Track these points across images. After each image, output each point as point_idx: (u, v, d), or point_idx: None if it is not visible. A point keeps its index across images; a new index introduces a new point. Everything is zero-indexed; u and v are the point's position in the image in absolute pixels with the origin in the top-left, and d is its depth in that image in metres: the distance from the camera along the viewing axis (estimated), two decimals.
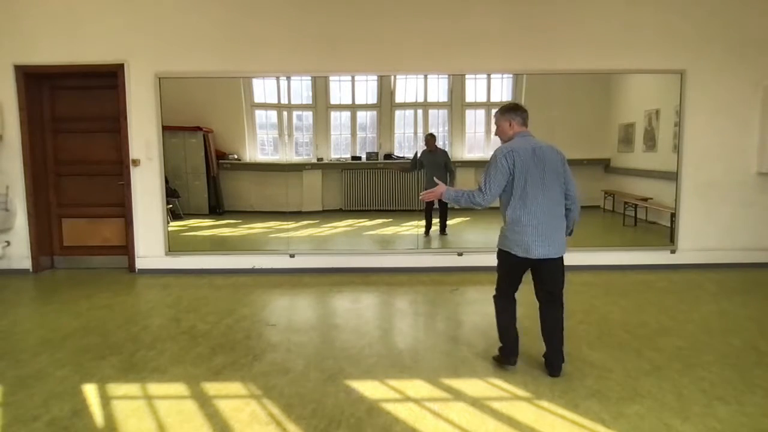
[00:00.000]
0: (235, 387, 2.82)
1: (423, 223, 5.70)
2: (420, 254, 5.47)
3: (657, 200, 5.64)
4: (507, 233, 2.86)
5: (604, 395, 2.69)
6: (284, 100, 6.02)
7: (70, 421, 2.47)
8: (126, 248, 5.46)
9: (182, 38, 5.19)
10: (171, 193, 5.57)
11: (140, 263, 5.41)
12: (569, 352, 3.23)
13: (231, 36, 5.20)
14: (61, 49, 5.16)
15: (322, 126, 6.12)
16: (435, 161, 5.64)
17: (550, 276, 2.89)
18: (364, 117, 6.24)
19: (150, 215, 5.34)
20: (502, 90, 6.04)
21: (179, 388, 2.81)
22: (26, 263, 5.39)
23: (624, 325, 3.72)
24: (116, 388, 2.81)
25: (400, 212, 5.90)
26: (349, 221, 6.10)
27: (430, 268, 5.28)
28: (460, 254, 5.32)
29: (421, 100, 5.97)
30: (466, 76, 5.87)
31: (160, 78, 5.19)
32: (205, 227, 5.89)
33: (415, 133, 6.09)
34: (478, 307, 4.21)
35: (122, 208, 5.44)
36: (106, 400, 2.68)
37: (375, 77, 5.92)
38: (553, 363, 2.92)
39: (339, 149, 6.20)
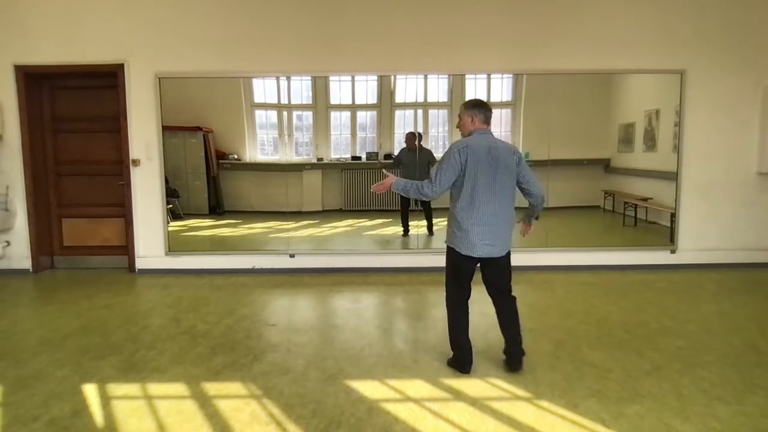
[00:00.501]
0: (235, 387, 2.82)
1: (424, 223, 5.70)
2: (420, 254, 5.47)
3: (657, 200, 5.64)
4: (454, 229, 2.87)
5: (604, 395, 2.69)
6: (284, 100, 6.02)
7: (70, 421, 2.47)
8: (126, 248, 5.46)
9: (182, 38, 5.19)
10: (171, 193, 5.57)
11: (140, 263, 5.41)
12: (569, 352, 3.24)
13: (231, 36, 5.20)
14: (61, 49, 5.16)
15: (322, 126, 6.11)
16: (416, 160, 5.63)
17: (495, 274, 2.95)
18: (364, 117, 6.24)
19: (150, 215, 5.34)
20: (502, 90, 6.04)
21: (179, 388, 2.81)
22: (26, 263, 5.39)
23: (624, 325, 3.72)
24: (116, 388, 2.81)
25: (400, 212, 5.89)
26: (349, 221, 6.10)
27: (430, 268, 5.28)
28: None
29: (421, 100, 5.96)
30: (466, 76, 5.86)
31: (160, 78, 5.19)
32: (205, 227, 5.89)
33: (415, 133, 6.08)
34: (478, 307, 4.19)
35: (122, 208, 5.44)
36: (106, 400, 2.69)
37: (375, 77, 5.91)
38: (513, 355, 2.94)
39: (339, 149, 6.20)
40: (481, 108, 2.89)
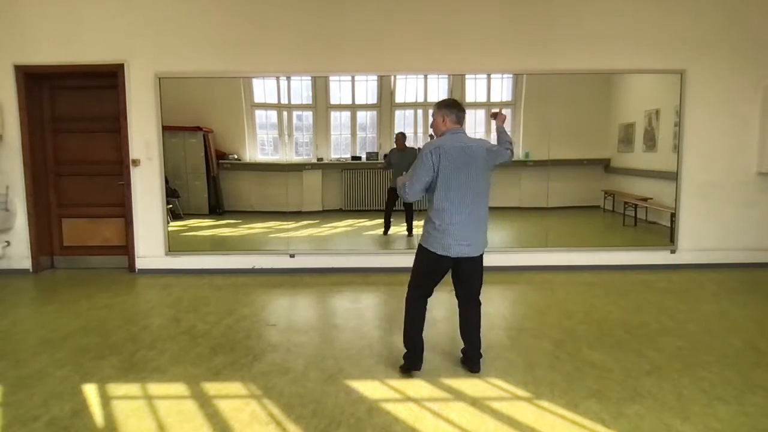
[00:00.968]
0: (235, 387, 2.82)
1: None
2: None
3: (657, 200, 5.64)
4: (429, 230, 2.82)
5: (604, 395, 2.69)
6: (284, 100, 6.02)
7: (70, 421, 2.47)
8: (126, 248, 5.46)
9: (182, 38, 5.19)
10: (171, 193, 5.57)
11: (140, 263, 5.41)
12: (569, 352, 3.24)
13: (231, 36, 5.20)
14: (61, 49, 5.16)
15: (322, 126, 6.11)
16: (404, 160, 5.65)
17: (468, 274, 2.90)
18: (364, 117, 6.24)
19: (150, 215, 5.34)
20: (502, 90, 6.04)
21: (179, 388, 2.81)
22: (26, 263, 5.39)
23: (624, 325, 3.72)
24: (116, 388, 2.81)
25: (401, 212, 5.89)
26: (349, 221, 6.10)
27: None
28: None
29: (421, 100, 5.96)
30: (466, 76, 5.86)
31: (160, 78, 5.19)
32: (205, 227, 5.89)
33: (415, 132, 6.08)
34: None
35: (122, 208, 5.44)
36: (106, 400, 2.69)
37: (375, 77, 5.91)
38: (472, 359, 2.98)
39: (339, 149, 6.20)
40: (452, 108, 2.84)
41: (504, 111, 6.00)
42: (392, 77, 5.90)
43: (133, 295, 4.68)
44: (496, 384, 2.83)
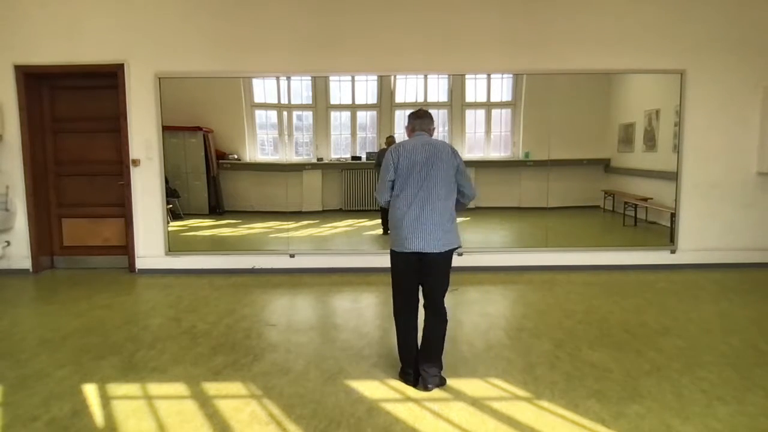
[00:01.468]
0: (235, 387, 2.82)
1: None
2: None
3: (657, 200, 5.64)
4: (391, 229, 2.84)
5: (604, 395, 2.69)
6: (284, 100, 6.02)
7: (70, 421, 2.47)
8: (126, 248, 5.46)
9: (182, 38, 5.19)
10: (171, 193, 5.57)
11: (140, 263, 5.41)
12: (569, 352, 3.23)
13: (231, 36, 5.20)
14: (61, 49, 5.16)
15: (322, 126, 6.11)
16: None
17: (431, 274, 2.77)
18: (364, 117, 6.24)
19: (150, 215, 5.34)
20: (502, 90, 6.04)
21: (179, 388, 2.81)
22: (26, 263, 5.39)
23: (624, 325, 3.72)
24: (116, 388, 2.81)
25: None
26: (349, 221, 6.10)
27: None
28: (460, 254, 5.32)
29: (421, 100, 5.96)
30: (466, 76, 5.87)
31: (160, 78, 5.19)
32: (205, 227, 5.89)
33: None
34: (478, 307, 4.21)
35: (122, 208, 5.44)
36: (106, 400, 2.69)
37: (375, 77, 5.91)
38: (423, 376, 2.75)
39: (339, 149, 6.20)
40: (416, 117, 2.97)
41: (504, 112, 6.07)
42: (392, 77, 5.90)
43: (133, 295, 4.68)
44: (496, 384, 2.83)
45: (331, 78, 5.86)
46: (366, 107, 6.12)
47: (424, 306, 2.84)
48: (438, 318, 2.80)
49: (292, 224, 5.66)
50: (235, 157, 5.98)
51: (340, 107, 6.10)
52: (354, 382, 2.86)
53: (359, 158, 6.12)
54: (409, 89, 6.02)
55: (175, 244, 5.41)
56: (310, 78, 5.84)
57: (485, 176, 6.06)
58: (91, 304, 4.33)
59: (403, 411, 2.55)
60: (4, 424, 2.45)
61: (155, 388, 2.81)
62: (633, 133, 5.76)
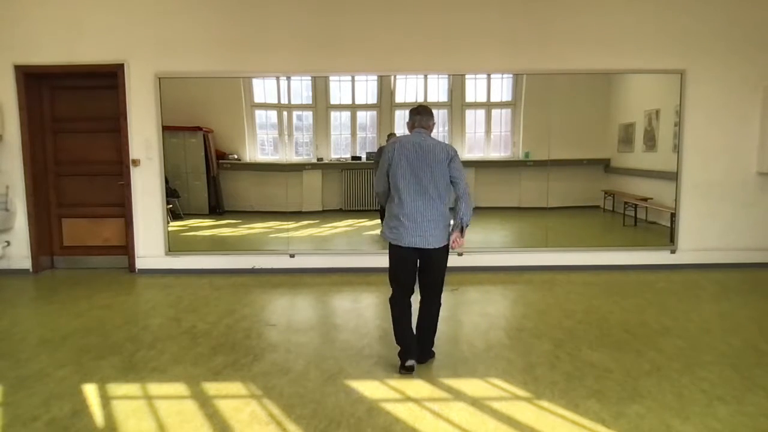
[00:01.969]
0: (235, 387, 2.82)
1: None
2: None
3: (657, 200, 5.64)
4: (387, 222, 2.99)
5: (604, 395, 2.69)
6: (284, 100, 6.02)
7: (70, 421, 2.47)
8: (126, 248, 5.46)
9: (182, 38, 5.19)
10: (171, 193, 5.57)
11: (140, 263, 5.41)
12: (569, 352, 3.24)
13: (231, 36, 5.20)
14: (61, 49, 5.16)
15: (322, 126, 6.11)
16: None
17: (426, 266, 2.96)
18: (364, 117, 6.24)
19: (150, 215, 5.34)
20: (502, 90, 6.04)
21: (179, 388, 2.81)
22: (26, 263, 5.39)
23: (624, 325, 3.72)
24: (116, 388, 2.81)
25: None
26: (349, 221, 6.10)
27: None
28: (460, 254, 5.32)
29: (421, 100, 5.96)
30: (466, 76, 5.87)
31: (160, 78, 5.19)
32: (205, 227, 5.89)
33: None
34: (478, 307, 4.21)
35: (122, 208, 5.44)
36: (106, 400, 2.68)
37: (375, 77, 5.91)
38: (409, 360, 2.97)
39: (339, 149, 6.20)
40: (411, 114, 3.04)
41: (504, 112, 6.06)
42: (392, 77, 5.90)
43: (133, 295, 4.68)
44: (496, 384, 2.83)
45: (331, 78, 5.86)
46: (366, 107, 6.12)
47: (422, 293, 3.02)
48: (434, 305, 3.02)
49: (292, 224, 5.66)
50: (235, 157, 5.98)
51: (340, 107, 6.10)
52: (354, 382, 2.86)
53: (359, 158, 6.12)
54: (409, 89, 6.02)
55: (175, 244, 5.41)
56: (310, 78, 5.84)
57: (485, 176, 6.07)
58: (91, 304, 4.33)
59: (403, 411, 2.55)
60: (4, 424, 2.45)
61: (155, 388, 2.81)
62: (633, 133, 5.76)
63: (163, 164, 5.29)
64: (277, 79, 5.85)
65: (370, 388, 2.79)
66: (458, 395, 2.71)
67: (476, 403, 2.62)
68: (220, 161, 5.92)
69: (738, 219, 5.38)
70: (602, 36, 5.23)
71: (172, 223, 5.53)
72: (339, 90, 6.08)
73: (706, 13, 5.20)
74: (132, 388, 2.81)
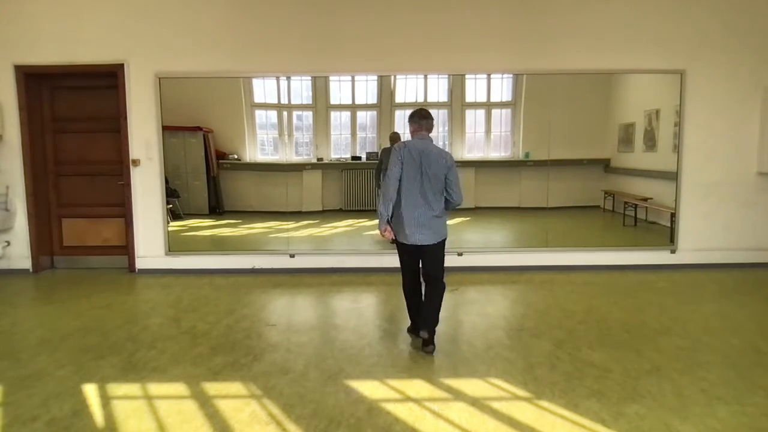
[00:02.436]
0: (235, 387, 2.82)
1: None
2: None
3: (657, 200, 5.64)
4: (395, 224, 3.32)
5: (604, 395, 2.69)
6: (284, 100, 6.02)
7: (70, 421, 2.47)
8: (126, 248, 5.46)
9: (182, 38, 5.19)
10: (171, 193, 5.57)
11: (140, 263, 5.41)
12: (569, 352, 3.24)
13: (231, 36, 5.20)
14: (61, 49, 5.16)
15: (322, 126, 6.11)
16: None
17: (428, 260, 3.36)
18: (364, 117, 6.24)
19: (150, 215, 5.34)
20: (502, 90, 6.04)
21: (179, 388, 2.81)
22: (26, 263, 5.39)
23: (624, 325, 3.72)
24: (116, 388, 2.81)
25: None
26: (349, 221, 6.10)
27: None
28: (460, 254, 5.32)
29: (421, 100, 5.96)
30: (466, 76, 5.87)
31: (160, 78, 5.19)
32: (205, 227, 5.88)
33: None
34: (478, 307, 4.21)
35: (122, 208, 5.44)
36: (106, 400, 2.69)
37: (375, 77, 5.91)
38: (421, 330, 3.27)
39: (339, 149, 6.20)
40: (411, 119, 3.35)
41: (504, 112, 6.07)
42: (392, 77, 5.90)
43: (133, 295, 4.68)
44: (496, 384, 2.83)
45: (331, 78, 5.86)
46: (366, 107, 6.12)
47: (425, 281, 3.42)
48: (436, 291, 3.33)
49: (292, 224, 5.66)
50: (235, 157, 5.98)
51: (340, 107, 6.10)
52: (354, 382, 2.86)
53: (359, 158, 6.11)
54: (409, 89, 6.02)
55: (175, 244, 5.41)
56: (310, 78, 5.84)
57: (485, 176, 6.07)
58: (91, 304, 4.33)
59: (403, 411, 2.55)
60: (4, 424, 2.45)
61: (155, 388, 2.81)
62: (633, 133, 5.76)
63: (163, 164, 5.29)
64: (277, 79, 5.85)
65: (370, 388, 2.79)
66: (458, 395, 2.71)
67: (476, 403, 2.63)
68: (220, 161, 5.92)
69: (738, 219, 5.38)
70: (602, 36, 5.23)
71: (172, 223, 5.53)
72: (339, 90, 6.08)
73: (706, 13, 5.20)
74: (132, 388, 2.81)
